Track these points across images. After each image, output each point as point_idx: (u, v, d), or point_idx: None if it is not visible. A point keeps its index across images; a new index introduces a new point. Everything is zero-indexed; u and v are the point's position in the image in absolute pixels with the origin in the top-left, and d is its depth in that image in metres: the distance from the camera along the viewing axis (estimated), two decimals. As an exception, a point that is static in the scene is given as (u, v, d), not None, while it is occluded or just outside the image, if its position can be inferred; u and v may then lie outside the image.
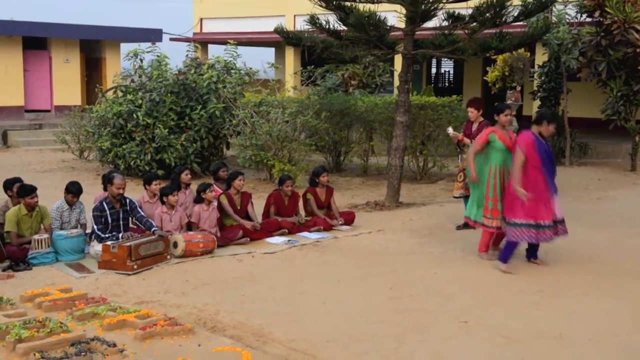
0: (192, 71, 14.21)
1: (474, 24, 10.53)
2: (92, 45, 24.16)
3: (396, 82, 11.49)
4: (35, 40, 22.46)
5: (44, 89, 22.83)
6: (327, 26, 11.01)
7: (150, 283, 7.05)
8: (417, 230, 9.36)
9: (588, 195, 12.09)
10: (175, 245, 7.99)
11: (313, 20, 10.95)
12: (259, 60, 17.53)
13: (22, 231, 7.86)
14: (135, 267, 7.36)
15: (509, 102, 15.72)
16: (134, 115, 13.38)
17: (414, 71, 18.03)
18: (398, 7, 10.95)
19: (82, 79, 23.82)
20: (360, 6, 10.70)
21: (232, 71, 14.74)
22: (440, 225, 9.64)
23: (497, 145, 7.61)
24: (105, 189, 8.47)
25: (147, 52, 14.52)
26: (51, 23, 22.70)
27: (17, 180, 8.49)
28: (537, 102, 16.35)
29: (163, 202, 8.59)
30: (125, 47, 21.64)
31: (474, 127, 9.24)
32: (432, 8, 10.31)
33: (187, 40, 23.21)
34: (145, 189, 8.98)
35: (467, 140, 9.09)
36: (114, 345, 5.09)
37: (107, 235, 7.97)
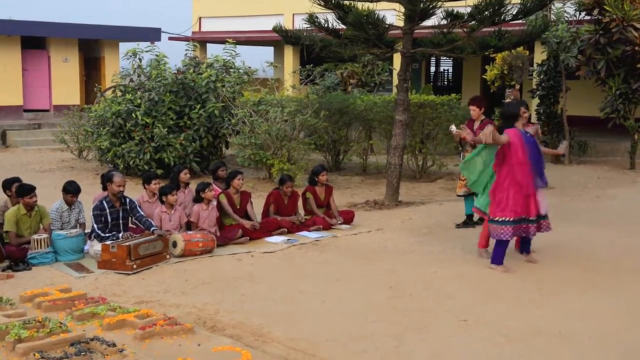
0: (191, 70, 14.21)
1: (473, 22, 10.53)
2: (91, 45, 24.14)
3: (395, 81, 11.49)
4: (34, 40, 22.44)
5: (42, 89, 22.81)
6: (325, 25, 11.01)
7: (150, 283, 7.05)
8: (417, 229, 9.36)
9: (587, 194, 12.10)
10: (175, 244, 7.99)
11: (312, 19, 10.94)
12: (257, 59, 17.54)
13: (21, 231, 7.86)
14: (134, 266, 7.36)
15: (507, 100, 15.74)
16: (133, 115, 13.38)
17: (413, 70, 18.05)
18: (397, 5, 10.95)
19: (81, 79, 23.81)
20: (359, 5, 10.70)
21: (231, 70, 14.73)
22: (440, 224, 9.65)
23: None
24: (104, 189, 8.46)
25: (146, 51, 14.51)
26: (50, 22, 22.69)
27: (16, 180, 8.48)
28: (536, 101, 16.36)
29: (162, 202, 8.59)
30: (124, 47, 21.64)
31: (476, 125, 9.25)
32: (431, 6, 10.30)
33: (185, 39, 23.19)
34: (145, 188, 8.98)
35: (469, 138, 9.06)
36: (114, 345, 5.08)
37: (106, 235, 7.97)
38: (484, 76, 17.43)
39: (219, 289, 6.82)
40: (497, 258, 7.37)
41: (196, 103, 13.71)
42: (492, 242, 7.76)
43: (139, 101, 13.63)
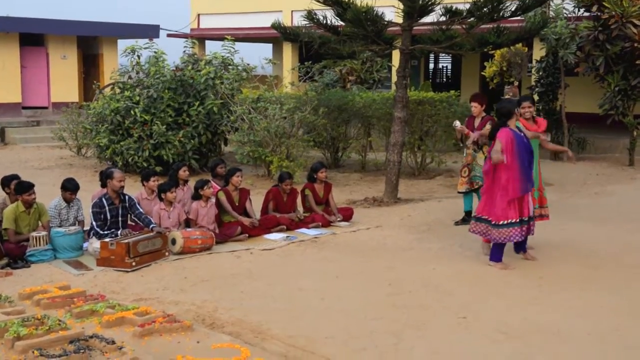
0: (190, 67, 14.18)
1: (472, 19, 10.51)
2: (90, 42, 24.12)
3: (394, 78, 11.49)
4: (32, 37, 22.42)
5: (41, 86, 22.80)
6: (324, 22, 10.99)
7: (149, 280, 7.05)
8: (416, 226, 9.36)
9: (586, 190, 12.11)
10: (174, 242, 7.98)
11: (310, 15, 10.93)
12: (256, 56, 17.54)
13: (20, 228, 7.85)
14: (133, 264, 7.35)
15: (506, 97, 15.75)
16: (132, 112, 13.37)
17: (412, 67, 18.02)
18: (395, 2, 10.93)
19: (79, 76, 23.79)
20: (358, 1, 10.68)
21: (230, 67, 14.72)
22: (439, 221, 9.65)
23: (529, 134, 7.59)
24: (103, 186, 8.45)
25: (145, 48, 14.48)
26: (48, 19, 22.67)
27: (15, 177, 8.47)
28: (535, 97, 16.33)
29: (161, 199, 8.58)
30: (123, 44, 21.61)
31: (477, 122, 9.27)
32: (430, 3, 10.29)
33: (184, 36, 23.17)
34: (143, 185, 8.97)
35: (472, 135, 9.07)
36: (113, 342, 5.08)
37: (105, 232, 7.96)
38: (482, 73, 17.43)
39: (218, 286, 6.82)
40: (496, 255, 7.36)
41: (195, 100, 13.69)
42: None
43: (137, 98, 13.61)
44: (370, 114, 14.26)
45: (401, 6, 10.72)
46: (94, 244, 7.84)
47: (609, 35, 14.13)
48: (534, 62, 16.96)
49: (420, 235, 8.86)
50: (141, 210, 8.26)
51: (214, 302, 6.30)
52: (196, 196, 8.78)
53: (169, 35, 25.49)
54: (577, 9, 15.41)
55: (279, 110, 12.89)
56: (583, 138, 16.29)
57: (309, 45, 11.39)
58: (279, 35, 12.03)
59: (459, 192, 9.69)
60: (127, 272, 7.27)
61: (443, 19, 10.73)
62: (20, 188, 7.92)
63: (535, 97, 16.24)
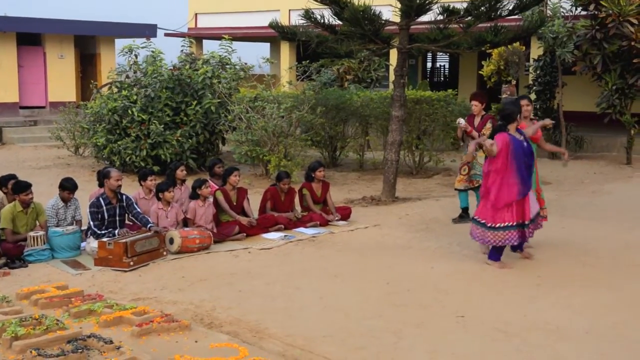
0: (187, 66, 14.17)
1: (469, 17, 10.51)
2: (87, 41, 24.09)
3: (392, 77, 11.49)
4: (29, 36, 22.39)
5: (38, 85, 22.78)
6: (322, 21, 10.99)
7: (147, 279, 7.04)
8: (414, 225, 9.36)
9: (584, 189, 12.12)
10: (172, 241, 7.98)
11: (308, 14, 10.92)
12: (254, 55, 17.58)
13: (18, 228, 7.84)
14: (131, 263, 7.34)
15: (504, 96, 15.77)
16: (129, 111, 13.35)
17: (410, 65, 18.00)
18: (393, 1, 10.93)
19: (76, 75, 23.77)
20: (355, 0, 10.68)
21: (227, 66, 14.70)
22: (437, 220, 9.65)
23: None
24: (100, 186, 8.44)
25: (142, 47, 14.47)
26: (45, 19, 22.64)
27: (12, 177, 8.46)
28: (533, 96, 16.35)
29: (159, 199, 8.57)
30: (120, 43, 21.64)
31: (477, 120, 9.28)
32: (427, 2, 10.29)
33: (181, 35, 23.15)
34: (141, 185, 8.96)
35: (475, 134, 9.08)
36: (111, 342, 5.07)
37: (103, 232, 7.95)
38: (480, 72, 17.44)
39: (216, 285, 6.81)
40: (494, 255, 7.37)
41: (192, 99, 13.68)
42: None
43: (135, 98, 13.60)
44: (368, 113, 14.27)
45: (398, 5, 10.72)
46: (92, 243, 7.83)
47: (606, 34, 14.14)
48: (531, 60, 16.96)
49: (419, 234, 8.86)
50: (139, 209, 8.25)
51: (212, 301, 6.30)
52: (194, 196, 8.77)
53: (166, 35, 25.46)
54: (574, 8, 15.41)
55: (277, 110, 12.88)
56: (580, 137, 16.31)
57: (306, 45, 11.39)
58: (276, 35, 12.01)
59: (455, 189, 9.69)
60: (125, 271, 7.27)
61: (440, 17, 10.73)
62: (17, 188, 7.91)
63: (533, 96, 16.27)
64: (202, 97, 13.70)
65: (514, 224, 7.14)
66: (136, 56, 14.43)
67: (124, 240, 7.42)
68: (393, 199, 11.00)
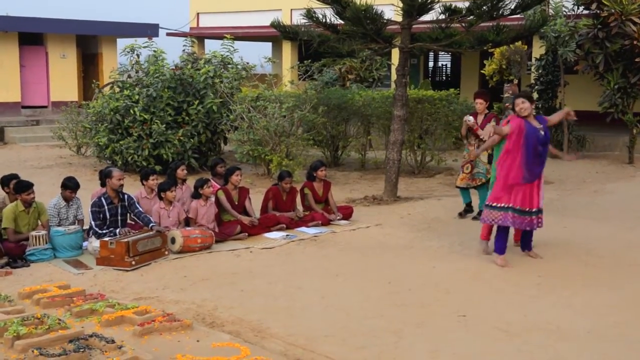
0: (189, 66, 14.18)
1: (471, 17, 10.51)
2: (89, 41, 24.12)
3: (393, 76, 11.50)
4: (31, 36, 22.42)
5: (40, 85, 22.80)
6: (323, 20, 10.99)
7: (149, 279, 7.05)
8: (415, 225, 9.36)
9: (586, 188, 12.11)
10: (173, 241, 7.98)
11: (309, 14, 10.92)
12: (255, 54, 17.57)
13: (20, 228, 7.85)
14: (133, 263, 7.35)
15: (506, 95, 15.74)
16: (131, 111, 13.36)
17: (412, 65, 18.05)
18: (395, 0, 10.93)
19: (78, 75, 23.79)
20: (357, 0, 10.68)
21: (229, 66, 14.72)
22: (439, 219, 9.65)
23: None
24: (102, 185, 8.44)
25: (144, 47, 14.49)
26: (47, 18, 22.66)
27: (14, 176, 8.47)
28: (535, 95, 16.34)
29: (161, 198, 8.58)
30: (122, 43, 21.65)
31: (480, 119, 9.28)
32: (429, 1, 10.29)
33: (183, 35, 23.16)
34: (143, 184, 8.96)
35: (480, 132, 9.08)
36: (113, 341, 5.08)
37: (104, 231, 7.96)
38: (482, 71, 17.43)
39: (217, 285, 6.82)
40: (498, 244, 7.42)
41: (194, 99, 13.69)
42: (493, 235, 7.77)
43: (137, 97, 13.61)
44: (369, 113, 14.27)
45: (400, 4, 10.72)
46: (94, 243, 7.83)
47: (609, 33, 14.13)
48: (533, 60, 16.96)
49: (420, 234, 8.86)
50: (140, 209, 8.26)
51: (213, 301, 6.30)
52: (196, 195, 8.78)
53: (168, 34, 25.48)
54: (576, 7, 15.40)
55: (279, 109, 12.89)
56: (583, 136, 16.29)
57: (308, 44, 11.39)
58: (278, 34, 12.02)
59: (457, 187, 9.73)
60: (127, 271, 7.27)
61: (442, 17, 10.72)
62: (19, 187, 7.92)
63: (535, 95, 16.25)
64: (204, 96, 13.71)
65: (509, 206, 7.21)
66: (138, 56, 14.44)
67: (125, 240, 7.43)
68: (395, 198, 11.00)
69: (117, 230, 7.99)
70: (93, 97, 16.63)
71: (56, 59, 22.95)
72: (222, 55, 14.86)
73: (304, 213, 9.56)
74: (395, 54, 13.96)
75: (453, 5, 10.56)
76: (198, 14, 25.25)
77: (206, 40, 25.60)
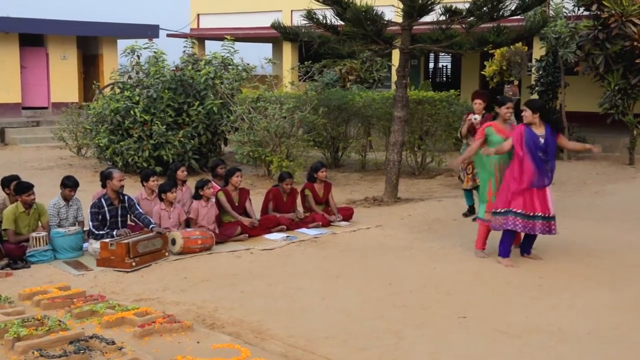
0: (190, 67, 14.18)
1: (471, 18, 10.51)
2: (89, 42, 24.11)
3: (394, 77, 11.49)
4: (31, 37, 22.41)
5: (41, 86, 22.80)
6: (324, 21, 10.99)
7: (149, 280, 7.04)
8: (416, 226, 9.36)
9: (586, 189, 12.10)
10: (174, 242, 7.98)
11: (310, 15, 10.93)
12: (256, 55, 17.56)
13: (20, 229, 7.84)
14: (133, 264, 7.34)
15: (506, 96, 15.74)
16: (132, 112, 13.36)
17: (412, 66, 18.02)
18: (395, 1, 10.93)
19: (79, 76, 23.79)
20: (357, 1, 10.68)
21: (230, 67, 14.72)
22: (439, 221, 9.64)
23: (494, 139, 7.59)
24: (103, 186, 8.44)
25: (144, 48, 14.49)
26: (48, 20, 22.66)
27: (15, 177, 8.47)
28: (535, 96, 16.33)
29: (161, 199, 8.58)
30: (123, 44, 21.60)
31: (478, 119, 9.29)
32: (429, 2, 10.29)
33: (184, 36, 23.16)
34: (143, 186, 8.96)
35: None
36: (113, 342, 5.08)
37: (101, 233, 7.94)
38: (482, 72, 17.43)
39: (218, 286, 6.81)
40: (502, 248, 7.45)
41: (195, 100, 13.69)
42: (489, 244, 7.79)
43: (137, 98, 13.61)
44: (370, 114, 14.27)
45: (401, 5, 10.72)
46: (94, 244, 7.83)
47: (609, 34, 14.12)
48: (533, 61, 16.95)
49: (421, 235, 8.86)
50: (141, 210, 8.25)
51: (214, 302, 6.30)
52: (197, 196, 8.78)
53: (168, 35, 25.48)
54: (576, 8, 15.40)
55: (279, 110, 12.89)
56: (583, 137, 16.26)
57: (308, 45, 11.39)
58: (278, 35, 12.02)
59: (464, 189, 9.76)
60: (127, 272, 7.27)
61: (443, 18, 10.73)
62: (19, 189, 7.91)
63: (535, 96, 16.24)
64: (205, 97, 13.71)
65: (518, 211, 7.25)
66: (138, 57, 14.44)
67: (126, 241, 7.42)
68: (395, 199, 11.00)
69: (115, 232, 7.98)
70: (93, 98, 16.63)
71: (57, 60, 22.95)
72: (222, 56, 14.86)
73: (305, 214, 9.56)
74: (396, 55, 13.94)
75: (453, 7, 10.56)
76: (198, 15, 25.25)
77: (207, 42, 25.60)
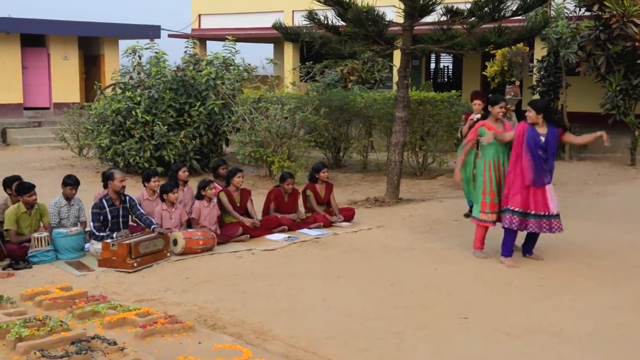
0: (191, 67, 14.19)
1: (473, 18, 10.50)
2: (91, 42, 24.12)
3: (395, 78, 11.49)
4: (33, 38, 22.42)
5: (42, 87, 22.80)
6: (325, 22, 10.99)
7: (151, 281, 7.05)
8: (417, 226, 9.36)
9: (588, 190, 12.10)
10: (175, 242, 7.98)
11: (311, 15, 10.93)
12: (257, 56, 17.57)
13: (22, 229, 7.85)
14: (135, 265, 7.35)
15: (508, 96, 15.74)
16: (133, 112, 13.37)
17: (413, 66, 18.01)
18: (396, 2, 10.93)
19: (80, 76, 23.79)
20: (359, 1, 10.68)
21: (231, 67, 14.72)
22: (441, 221, 9.64)
23: None
24: (105, 187, 8.45)
25: (146, 48, 14.50)
26: (49, 20, 22.68)
27: (16, 178, 8.47)
28: (537, 97, 16.33)
29: (163, 200, 8.58)
30: (124, 44, 21.61)
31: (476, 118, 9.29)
32: (431, 3, 10.29)
33: (185, 36, 23.17)
34: (144, 186, 8.97)
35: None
36: (115, 343, 5.08)
37: (101, 234, 7.94)
38: (484, 72, 17.42)
39: (219, 286, 6.82)
40: (506, 250, 7.46)
41: (196, 100, 13.69)
42: (490, 244, 7.80)
43: (138, 99, 13.62)
44: (371, 114, 14.27)
45: (402, 6, 10.72)
46: (96, 244, 7.84)
47: (610, 34, 14.12)
48: (535, 61, 16.95)
49: (422, 236, 8.86)
50: (142, 211, 8.26)
51: (215, 302, 6.30)
52: (199, 196, 8.78)
53: (170, 36, 25.49)
54: (578, 9, 15.40)
55: (280, 111, 12.89)
56: (584, 138, 16.25)
57: (310, 46, 11.39)
58: (280, 36, 12.02)
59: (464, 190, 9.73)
60: (129, 273, 7.27)
61: (444, 18, 10.73)
62: (20, 189, 7.92)
63: (537, 97, 16.24)
64: (206, 98, 13.71)
65: (515, 209, 7.29)
66: (140, 57, 14.45)
67: (127, 242, 7.43)
68: (397, 200, 11.00)
69: (115, 234, 7.97)
70: (95, 99, 16.64)
71: (58, 61, 22.96)
72: (223, 56, 14.86)
73: (306, 215, 9.56)
74: (397, 56, 13.94)
75: (455, 7, 10.56)
76: (200, 15, 25.26)
77: (208, 42, 25.61)
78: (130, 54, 14.45)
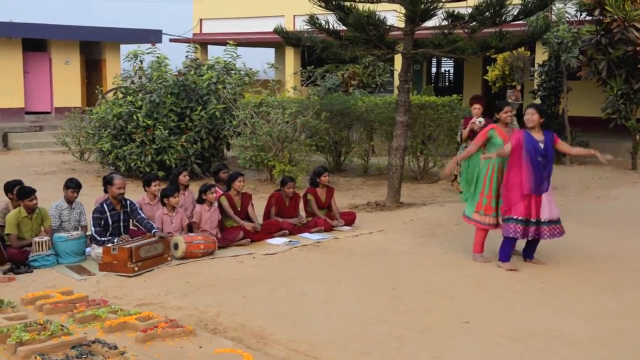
0: (192, 72, 14.20)
1: (474, 23, 10.52)
2: (92, 47, 24.16)
3: (396, 82, 11.49)
4: (35, 42, 22.46)
5: (44, 91, 22.83)
6: (326, 26, 11.01)
7: (151, 285, 7.05)
8: (418, 231, 9.35)
9: (589, 194, 12.10)
10: (176, 246, 7.99)
11: (312, 20, 10.94)
12: (258, 60, 17.54)
13: (23, 233, 7.86)
14: (136, 269, 7.35)
15: (509, 101, 15.76)
16: (134, 117, 13.37)
17: (414, 71, 18.06)
18: (397, 6, 10.94)
19: (82, 81, 23.82)
20: (360, 6, 10.70)
21: (232, 72, 14.72)
22: (441, 225, 9.64)
23: (497, 142, 7.60)
24: (105, 191, 8.45)
25: (147, 53, 14.51)
26: (51, 25, 22.71)
27: (18, 182, 8.47)
28: (538, 101, 16.35)
29: (164, 204, 8.59)
30: (125, 49, 21.65)
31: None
32: (432, 7, 10.30)
33: (186, 41, 23.21)
34: (145, 190, 8.98)
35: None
36: (115, 347, 5.08)
37: (103, 239, 7.93)
38: (485, 77, 17.45)
39: (220, 291, 6.82)
40: (504, 255, 7.45)
41: (197, 105, 13.70)
42: (487, 246, 7.79)
43: (140, 103, 13.62)
44: (372, 118, 14.28)
45: (403, 11, 10.73)
46: (97, 249, 7.84)
47: (612, 39, 14.13)
48: (536, 66, 16.97)
49: (423, 240, 8.85)
50: (143, 215, 8.26)
51: (216, 307, 6.30)
52: (200, 200, 8.79)
53: (171, 40, 25.53)
54: (579, 13, 15.42)
55: (282, 115, 12.90)
56: (585, 142, 16.27)
57: (311, 50, 11.40)
58: (281, 40, 12.04)
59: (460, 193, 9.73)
60: (130, 277, 7.27)
61: (445, 23, 10.74)
62: (21, 193, 7.93)
63: (538, 101, 16.26)
64: (207, 102, 13.72)
65: (517, 217, 7.28)
66: (141, 62, 14.46)
67: (128, 246, 7.43)
68: (397, 204, 11.00)
69: (116, 239, 7.97)
70: (96, 103, 16.66)
71: (60, 65, 22.99)
72: (225, 61, 14.87)
73: (307, 219, 9.56)
74: (398, 60, 13.96)
75: (456, 12, 10.57)
76: (201, 20, 25.31)
77: (209, 46, 25.66)
78: (131, 58, 14.46)
